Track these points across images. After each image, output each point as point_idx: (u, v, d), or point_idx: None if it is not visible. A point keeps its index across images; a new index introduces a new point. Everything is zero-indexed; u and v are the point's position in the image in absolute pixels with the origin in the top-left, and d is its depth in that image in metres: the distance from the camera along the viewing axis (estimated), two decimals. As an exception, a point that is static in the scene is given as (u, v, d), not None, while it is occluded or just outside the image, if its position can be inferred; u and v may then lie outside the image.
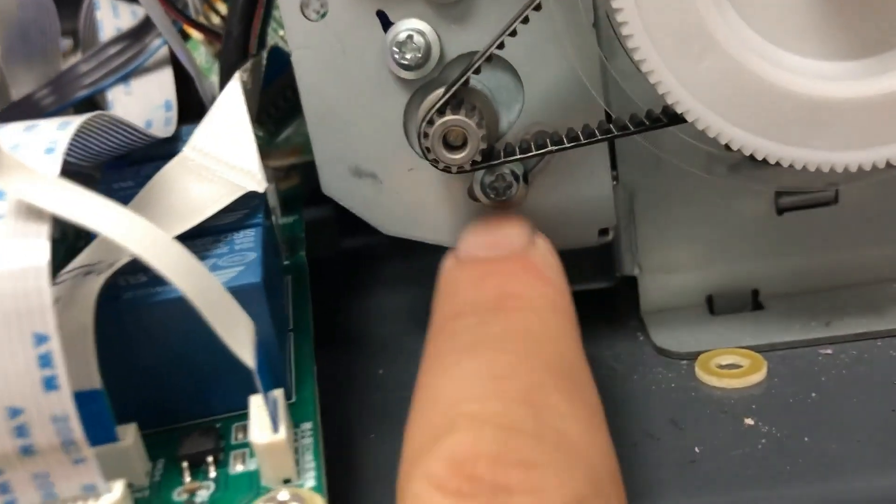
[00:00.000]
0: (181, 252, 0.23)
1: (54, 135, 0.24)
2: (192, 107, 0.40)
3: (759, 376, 0.30)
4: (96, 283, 0.25)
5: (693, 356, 0.31)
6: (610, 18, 0.28)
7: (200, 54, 0.40)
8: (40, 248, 0.22)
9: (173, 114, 0.38)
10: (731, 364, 0.31)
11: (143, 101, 0.40)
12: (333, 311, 0.38)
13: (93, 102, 0.42)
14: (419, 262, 0.37)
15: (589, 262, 0.36)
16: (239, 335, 0.24)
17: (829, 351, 0.31)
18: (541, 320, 0.25)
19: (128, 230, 0.23)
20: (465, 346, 0.24)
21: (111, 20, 0.42)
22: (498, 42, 0.27)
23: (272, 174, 0.39)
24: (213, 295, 0.23)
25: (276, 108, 0.39)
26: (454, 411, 0.21)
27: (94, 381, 0.24)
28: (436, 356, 0.24)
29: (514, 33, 0.27)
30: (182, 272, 0.23)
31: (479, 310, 0.25)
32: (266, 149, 0.42)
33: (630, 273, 0.34)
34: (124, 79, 0.40)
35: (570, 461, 0.21)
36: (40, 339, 0.21)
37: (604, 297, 0.36)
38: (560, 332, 0.25)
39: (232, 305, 0.24)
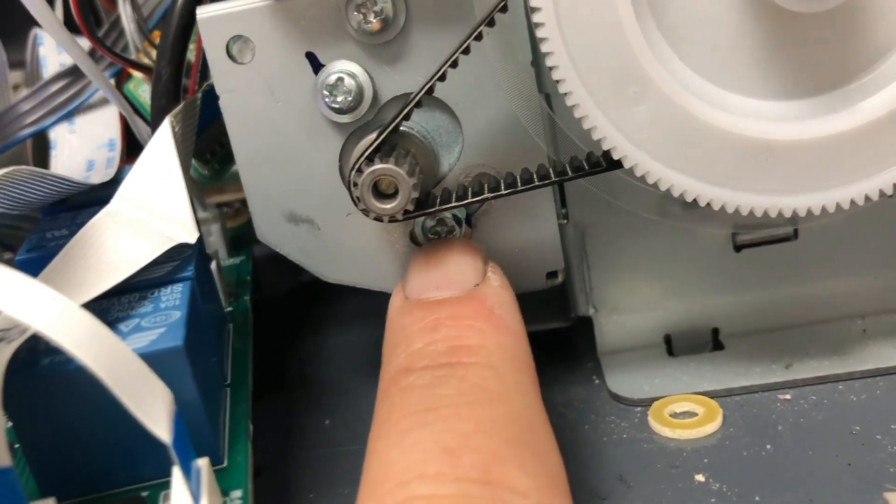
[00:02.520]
0: (87, 322, 0.22)
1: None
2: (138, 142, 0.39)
3: (713, 426, 0.29)
4: (5, 352, 0.23)
5: (647, 403, 0.30)
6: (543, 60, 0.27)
7: (145, 91, 0.39)
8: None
9: (116, 153, 0.38)
10: (685, 412, 0.30)
11: (87, 140, 0.39)
12: (283, 353, 0.37)
13: (43, 138, 0.41)
14: (378, 298, 0.36)
15: (546, 300, 0.34)
16: (153, 407, 0.22)
17: (787, 396, 0.30)
18: (498, 377, 0.24)
19: (28, 304, 0.22)
20: (418, 410, 0.23)
21: (55, 56, 0.41)
22: (426, 88, 0.26)
23: (219, 213, 0.38)
24: (122, 366, 0.22)
25: (221, 145, 0.38)
26: (406, 493, 0.20)
27: (4, 458, 0.23)
28: (387, 420, 0.23)
29: (443, 78, 0.26)
30: (86, 344, 0.22)
31: (431, 365, 0.24)
32: (216, 184, 0.41)
33: (585, 314, 0.33)
34: (68, 116, 0.39)
35: None
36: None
37: (561, 336, 0.34)
38: (519, 390, 0.24)
39: (145, 376, 0.23)
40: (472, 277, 0.27)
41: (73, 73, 0.39)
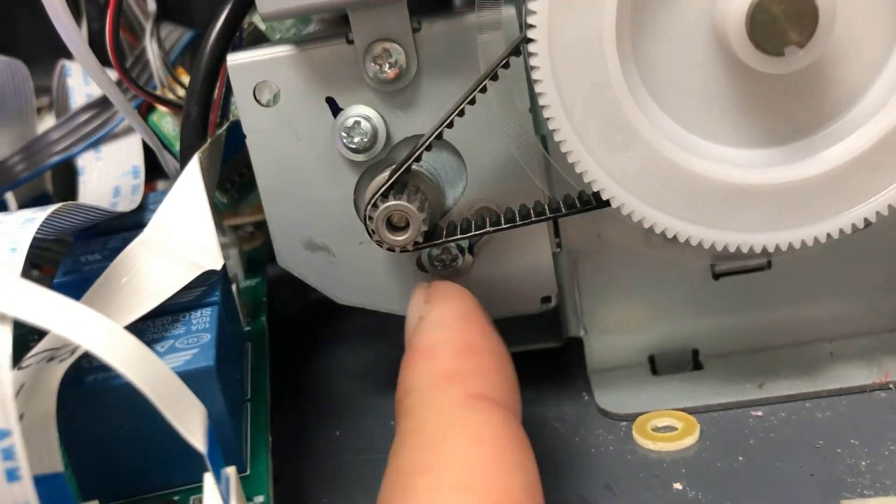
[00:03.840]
0: (132, 344, 0.25)
1: (17, 234, 0.26)
2: (161, 168, 0.41)
3: (691, 439, 0.31)
4: (59, 371, 0.26)
5: (632, 417, 0.33)
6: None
7: (167, 123, 0.41)
8: (1, 349, 0.23)
9: (140, 181, 0.40)
10: (666, 426, 0.32)
11: (112, 167, 0.41)
12: (296, 367, 0.40)
13: (67, 165, 0.44)
14: (385, 318, 0.39)
15: (540, 321, 0.37)
16: (190, 420, 0.25)
17: (759, 413, 0.32)
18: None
19: (80, 327, 0.24)
20: None
21: (82, 87, 0.44)
22: (435, 133, 0.29)
23: (236, 237, 0.40)
24: (163, 383, 0.25)
25: (240, 175, 0.41)
26: None
27: (56, 464, 0.25)
28: None
29: (451, 125, 0.29)
30: (132, 364, 0.24)
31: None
32: (232, 208, 0.43)
33: (576, 334, 0.36)
34: (94, 145, 0.42)
35: None
36: (2, 433, 0.23)
37: (555, 355, 0.37)
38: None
39: (183, 392, 0.25)
40: (412, 323, 0.28)
41: (101, 104, 0.42)
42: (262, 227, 0.43)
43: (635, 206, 0.28)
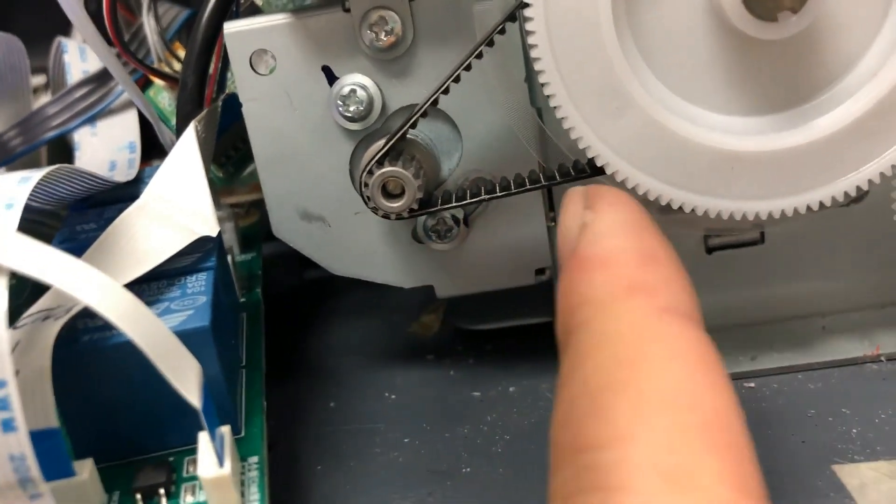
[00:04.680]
0: (130, 300, 0.25)
1: (14, 190, 0.26)
2: (157, 145, 0.41)
3: (683, 408, 0.31)
4: (54, 328, 0.26)
5: (626, 389, 0.33)
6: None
7: (164, 98, 0.41)
8: (-3, 300, 0.23)
9: (136, 155, 0.40)
10: (659, 396, 0.32)
11: (108, 142, 0.41)
12: (291, 343, 0.40)
13: (62, 142, 0.44)
14: (377, 294, 0.39)
15: (535, 296, 0.37)
16: (185, 376, 0.25)
17: (752, 384, 0.33)
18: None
19: (79, 282, 0.24)
20: None
21: (78, 63, 0.44)
22: (430, 101, 0.29)
23: (231, 212, 0.40)
24: (160, 339, 0.25)
25: (235, 149, 0.41)
26: None
27: (51, 420, 0.26)
28: None
29: (447, 91, 0.29)
30: (130, 319, 0.25)
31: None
32: (227, 187, 0.43)
33: (569, 308, 0.36)
34: (90, 120, 0.42)
35: None
36: (-2, 384, 0.23)
37: (550, 330, 0.37)
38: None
39: (179, 349, 0.26)
40: (573, 233, 0.25)
41: (97, 80, 0.42)
42: (257, 205, 0.44)
43: (630, 174, 0.28)
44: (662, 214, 0.33)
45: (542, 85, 0.27)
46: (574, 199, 0.25)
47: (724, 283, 0.35)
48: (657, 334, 0.21)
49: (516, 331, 0.38)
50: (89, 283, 0.25)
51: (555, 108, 0.27)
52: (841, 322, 0.35)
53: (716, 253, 0.35)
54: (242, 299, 0.37)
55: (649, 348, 0.21)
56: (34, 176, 0.27)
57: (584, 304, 0.22)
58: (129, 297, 0.25)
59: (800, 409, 0.31)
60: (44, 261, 0.25)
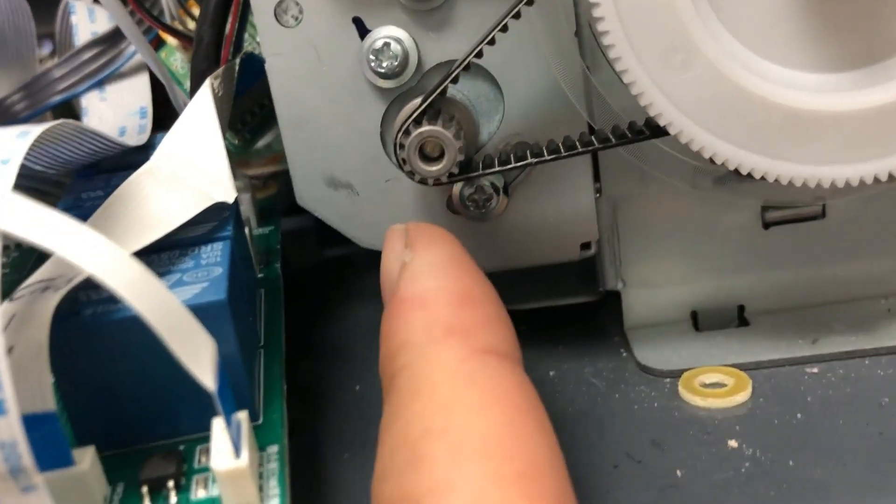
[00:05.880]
0: (137, 269, 0.22)
1: (11, 144, 0.24)
2: (170, 113, 0.39)
3: (743, 396, 0.29)
4: (53, 299, 0.24)
5: (676, 374, 0.31)
6: (592, 28, 0.27)
7: (176, 60, 0.39)
8: (-12, 263, 0.21)
9: (148, 121, 0.38)
10: (715, 383, 0.30)
11: (118, 108, 0.39)
12: (311, 324, 0.37)
13: (69, 108, 0.41)
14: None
15: (574, 274, 0.35)
16: (198, 355, 0.23)
17: (815, 370, 0.30)
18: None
19: (80, 248, 0.22)
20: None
21: (87, 24, 0.41)
22: (476, 51, 0.26)
23: (249, 183, 0.38)
24: (170, 314, 0.22)
25: (252, 115, 0.38)
26: None
27: (48, 402, 0.23)
28: None
29: (492, 42, 0.26)
30: (137, 291, 0.22)
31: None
32: (244, 157, 0.41)
33: (613, 288, 0.33)
34: (99, 84, 0.39)
35: None
36: (-14, 359, 0.20)
37: (588, 311, 0.35)
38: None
39: (192, 325, 0.23)
40: (394, 269, 0.25)
41: (107, 42, 0.39)
42: (275, 176, 0.41)
43: (695, 133, 0.25)
44: (718, 185, 0.30)
45: (602, 34, 0.24)
46: (394, 237, 0.26)
47: (782, 260, 0.33)
48: (474, 378, 0.21)
49: (552, 311, 0.35)
50: (93, 251, 0.22)
51: (615, 59, 0.25)
52: (908, 304, 0.32)
53: (773, 228, 0.32)
54: (260, 275, 0.34)
55: (465, 393, 0.21)
56: (34, 130, 0.25)
57: (404, 348, 0.22)
58: (138, 266, 0.23)
59: (872, 397, 0.28)
60: (43, 224, 0.22)
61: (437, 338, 0.22)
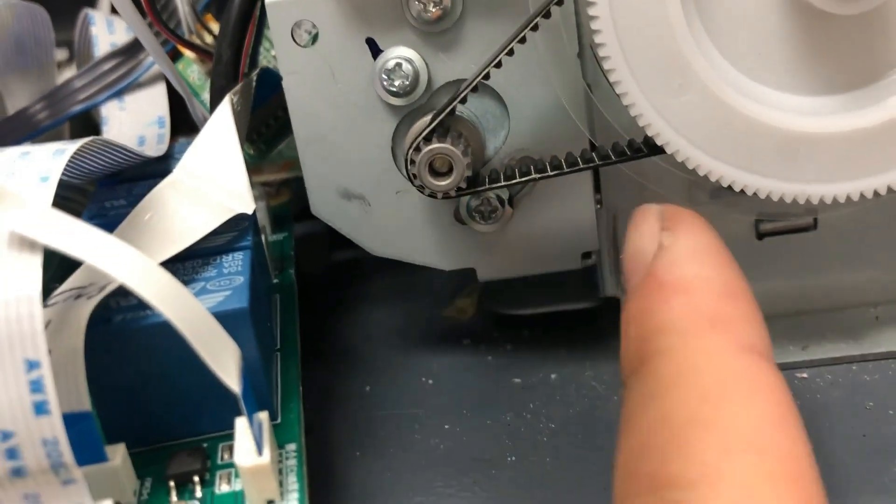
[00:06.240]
0: (167, 280, 0.24)
1: (48, 164, 0.25)
2: (186, 121, 0.40)
3: (736, 400, 0.30)
4: (87, 307, 0.25)
5: (673, 378, 0.32)
6: (594, 51, 0.28)
7: (193, 72, 0.40)
8: (32, 278, 0.22)
9: (166, 130, 0.39)
10: (710, 386, 0.31)
11: (137, 117, 0.40)
12: (322, 327, 0.39)
13: (88, 117, 0.43)
14: (409, 277, 0.38)
15: (575, 281, 0.36)
16: (224, 360, 0.24)
17: (804, 375, 0.31)
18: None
19: (115, 260, 0.23)
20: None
21: (106, 36, 0.43)
22: (483, 73, 0.28)
23: (263, 191, 0.39)
24: (198, 321, 0.24)
25: (267, 127, 0.40)
26: None
27: (84, 403, 0.25)
28: None
29: (499, 65, 0.28)
30: (168, 300, 0.23)
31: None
32: (256, 165, 0.42)
33: (613, 294, 0.35)
34: (118, 94, 0.41)
35: None
36: (31, 364, 0.22)
37: (589, 316, 0.36)
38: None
39: (217, 331, 0.24)
40: (650, 248, 0.24)
41: (125, 53, 0.41)
42: (288, 183, 0.42)
43: (691, 153, 0.27)
44: (713, 198, 0.32)
45: (603, 59, 0.26)
46: (648, 217, 0.24)
47: (775, 269, 0.34)
48: (738, 373, 0.21)
49: (553, 316, 0.36)
50: (126, 262, 0.24)
51: (615, 83, 0.26)
52: (894, 312, 0.34)
53: (767, 239, 0.33)
54: (275, 280, 0.36)
55: (732, 386, 0.21)
56: (69, 148, 0.26)
57: (663, 332, 0.22)
58: (167, 276, 0.24)
59: (857, 401, 0.30)
60: (79, 237, 0.24)
61: (702, 328, 0.22)
